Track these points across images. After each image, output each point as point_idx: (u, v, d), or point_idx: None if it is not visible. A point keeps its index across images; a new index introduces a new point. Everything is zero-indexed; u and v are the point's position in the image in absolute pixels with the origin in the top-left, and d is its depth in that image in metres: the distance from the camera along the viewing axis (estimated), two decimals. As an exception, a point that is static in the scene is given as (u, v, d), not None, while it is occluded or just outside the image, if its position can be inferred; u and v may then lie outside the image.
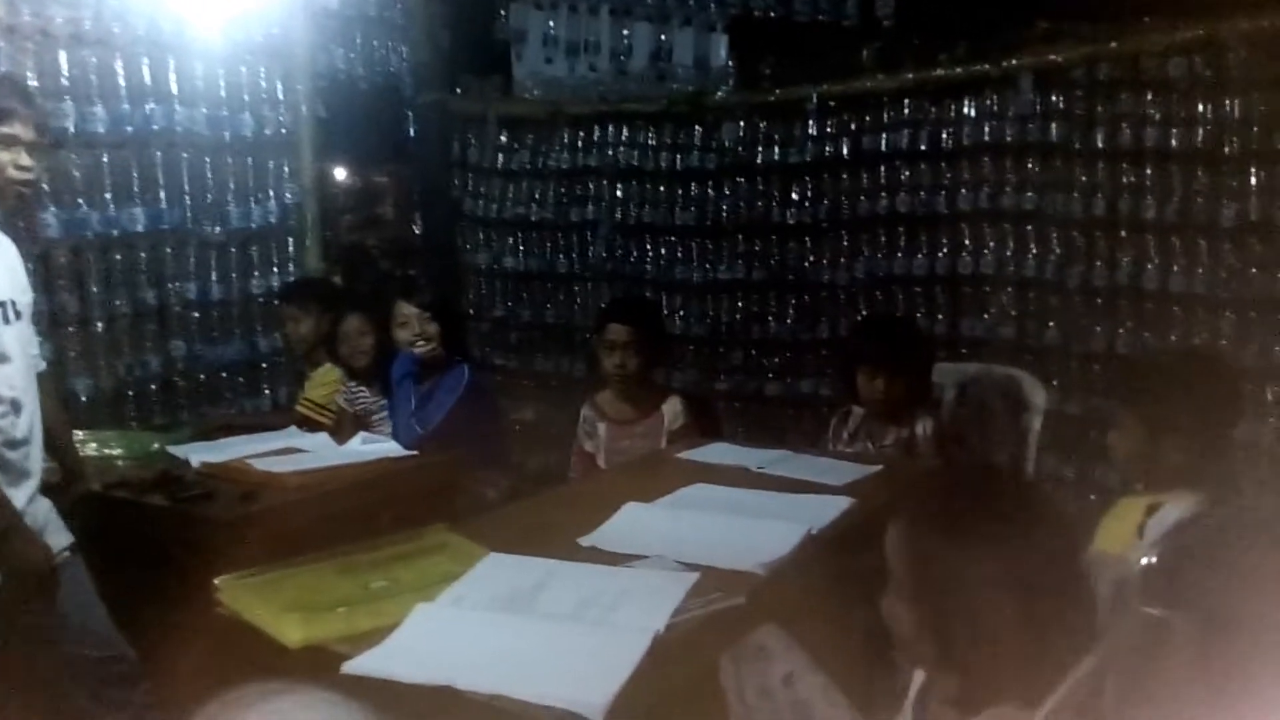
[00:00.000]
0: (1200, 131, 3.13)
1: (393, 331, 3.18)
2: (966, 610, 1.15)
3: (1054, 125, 3.38)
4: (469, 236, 4.60)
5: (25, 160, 2.09)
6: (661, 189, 4.16)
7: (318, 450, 2.74)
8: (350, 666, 1.39)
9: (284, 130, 3.84)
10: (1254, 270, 3.07)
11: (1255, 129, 3.04)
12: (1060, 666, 1.15)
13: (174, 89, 3.43)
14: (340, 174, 4.43)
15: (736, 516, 2.02)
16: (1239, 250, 3.09)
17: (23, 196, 2.19)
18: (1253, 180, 3.05)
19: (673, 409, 2.96)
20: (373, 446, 2.78)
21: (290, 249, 3.92)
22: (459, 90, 4.55)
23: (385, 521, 2.37)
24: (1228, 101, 3.08)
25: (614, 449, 2.96)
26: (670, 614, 1.54)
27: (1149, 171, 3.24)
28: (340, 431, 3.00)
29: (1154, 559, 1.52)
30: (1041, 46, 3.40)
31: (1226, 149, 3.09)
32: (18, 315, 2.15)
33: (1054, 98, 3.38)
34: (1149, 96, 3.21)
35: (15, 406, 2.09)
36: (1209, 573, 1.40)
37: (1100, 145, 3.31)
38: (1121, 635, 1.28)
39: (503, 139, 4.46)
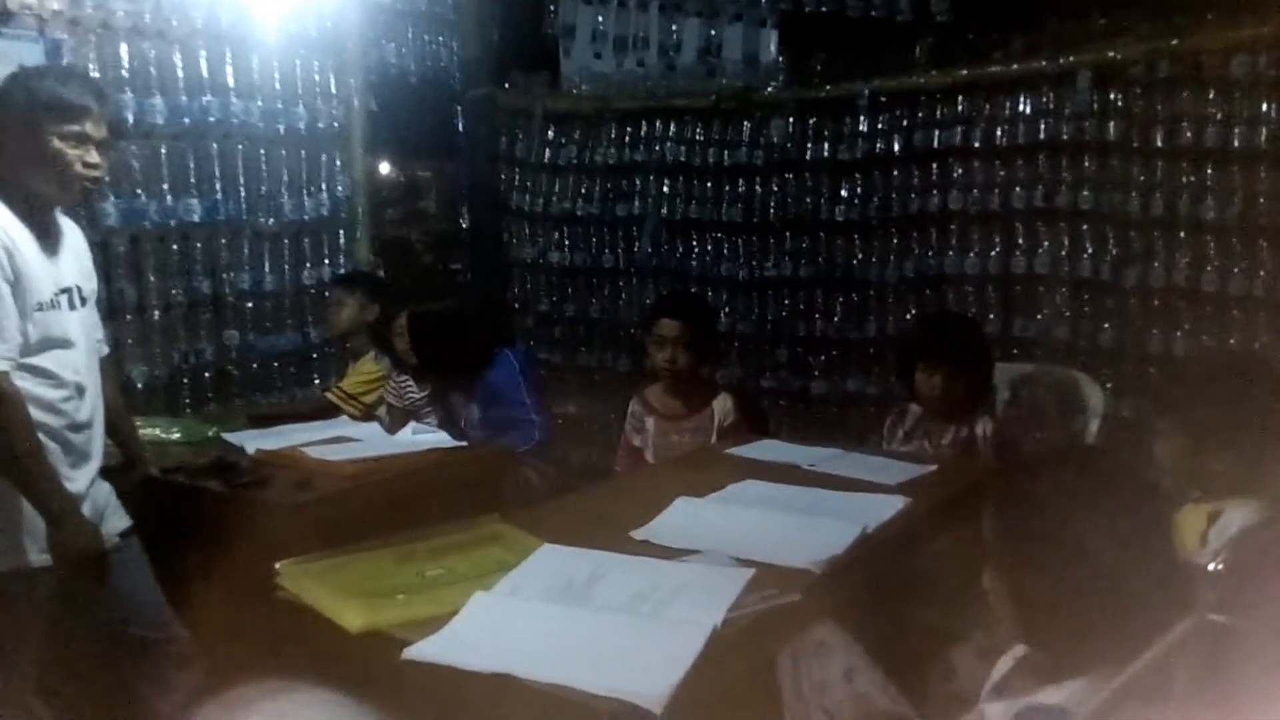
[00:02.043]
0: (1263, 131, 3.06)
1: None
2: (1051, 583, 1.20)
3: (1112, 124, 3.32)
4: (515, 231, 4.61)
5: (94, 158, 2.07)
6: (709, 185, 4.13)
7: (369, 440, 2.78)
8: (411, 652, 1.40)
9: (336, 124, 3.89)
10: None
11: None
12: (1136, 646, 1.16)
13: (230, 82, 3.48)
14: (390, 167, 4.47)
15: (789, 514, 2.01)
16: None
17: (87, 191, 2.20)
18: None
19: (723, 405, 2.94)
20: (423, 437, 2.82)
21: (341, 241, 3.97)
22: (507, 85, 4.56)
23: (434, 511, 2.40)
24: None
25: (663, 444, 2.95)
26: (726, 609, 1.54)
27: (1210, 172, 3.18)
28: (392, 423, 3.03)
29: (1220, 565, 1.50)
30: (1100, 43, 3.34)
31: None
32: (83, 301, 2.18)
33: (1112, 95, 3.32)
34: (1210, 95, 3.15)
35: (79, 390, 2.12)
36: (1276, 580, 1.38)
37: (1159, 144, 3.24)
38: (1187, 640, 1.27)
39: (550, 134, 4.45)
